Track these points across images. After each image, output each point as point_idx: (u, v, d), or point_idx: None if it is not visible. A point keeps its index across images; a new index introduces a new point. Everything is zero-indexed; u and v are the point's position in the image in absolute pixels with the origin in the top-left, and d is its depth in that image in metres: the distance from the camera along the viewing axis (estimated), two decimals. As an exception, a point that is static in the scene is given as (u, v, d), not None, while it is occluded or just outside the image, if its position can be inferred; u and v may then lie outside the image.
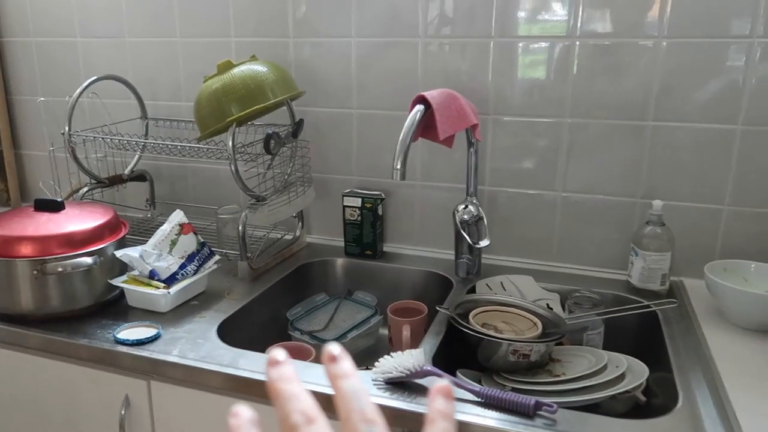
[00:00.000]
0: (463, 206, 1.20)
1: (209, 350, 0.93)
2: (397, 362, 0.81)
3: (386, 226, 1.40)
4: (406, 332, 1.12)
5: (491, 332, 0.98)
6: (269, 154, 1.19)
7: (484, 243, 1.17)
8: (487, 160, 1.28)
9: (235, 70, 1.17)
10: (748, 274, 1.07)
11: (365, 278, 1.33)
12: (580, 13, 1.16)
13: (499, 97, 1.25)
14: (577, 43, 1.17)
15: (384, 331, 1.22)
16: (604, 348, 1.09)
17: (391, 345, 1.15)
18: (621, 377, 0.91)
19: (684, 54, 1.12)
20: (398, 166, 1.01)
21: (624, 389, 0.87)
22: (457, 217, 1.19)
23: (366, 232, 1.33)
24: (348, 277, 1.35)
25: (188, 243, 1.14)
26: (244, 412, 0.28)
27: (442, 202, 1.32)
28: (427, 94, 1.05)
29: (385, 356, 0.84)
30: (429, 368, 0.81)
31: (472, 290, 1.18)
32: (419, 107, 1.04)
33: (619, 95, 1.17)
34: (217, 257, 1.18)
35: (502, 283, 1.21)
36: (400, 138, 1.01)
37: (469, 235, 1.18)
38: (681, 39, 1.11)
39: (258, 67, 1.20)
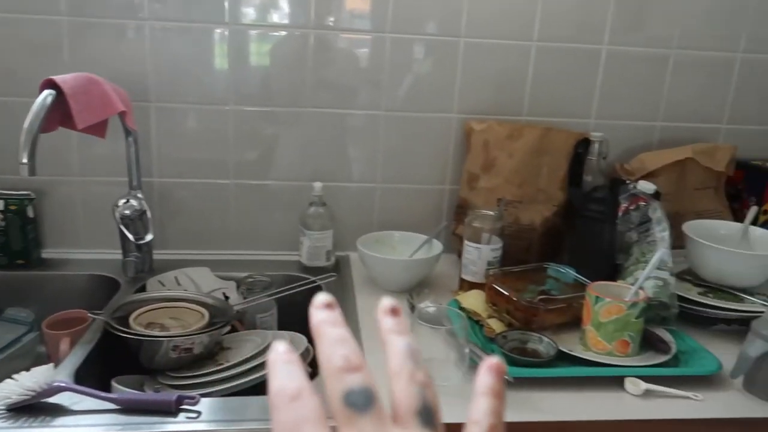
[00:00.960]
0: (124, 201, 1.12)
1: None
2: (20, 384, 0.71)
3: (44, 229, 1.23)
4: (64, 346, 1.01)
5: (155, 331, 0.93)
6: None
7: (148, 238, 1.11)
8: (153, 150, 1.22)
9: None
10: (395, 242, 1.21)
11: (19, 292, 1.15)
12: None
13: (161, 83, 1.19)
14: (227, 31, 1.17)
15: (43, 349, 1.08)
16: (281, 328, 1.13)
17: (50, 362, 1.01)
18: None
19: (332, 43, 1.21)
20: (24, 160, 0.89)
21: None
22: (116, 213, 1.10)
23: (14, 239, 1.15)
24: (-5, 293, 1.15)
25: None
26: (281, 347, 0.26)
27: (107, 198, 1.20)
28: (58, 78, 0.94)
29: (7, 379, 0.73)
30: (60, 384, 0.73)
31: (143, 289, 1.11)
32: (48, 92, 0.92)
33: (271, 84, 1.21)
34: None
35: (176, 278, 1.16)
36: (25, 128, 0.89)
37: (133, 231, 1.11)
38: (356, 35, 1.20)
39: None
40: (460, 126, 1.26)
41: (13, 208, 1.14)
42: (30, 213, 1.16)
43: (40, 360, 1.07)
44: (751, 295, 1.04)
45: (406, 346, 0.27)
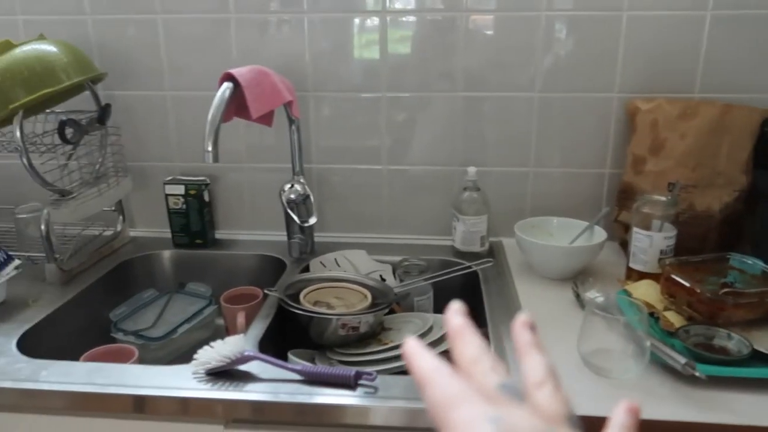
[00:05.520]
0: (289, 186, 1.18)
1: (4, 366, 0.83)
2: (217, 351, 0.78)
3: (216, 212, 1.34)
4: (240, 319, 1.09)
5: (322, 309, 0.98)
6: (67, 143, 1.08)
7: (312, 221, 1.17)
8: (312, 138, 1.27)
9: (17, 51, 1.04)
10: (552, 228, 1.17)
11: (197, 269, 1.27)
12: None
13: (318, 73, 1.23)
14: (388, 18, 1.19)
15: (221, 321, 1.18)
16: (435, 311, 1.14)
17: (228, 334, 1.11)
18: (445, 336, 0.96)
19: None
20: (209, 148, 0.96)
21: (444, 348, 0.91)
22: (283, 197, 1.17)
23: (193, 221, 1.27)
24: (178, 269, 1.27)
25: (-23, 250, 1.00)
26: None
27: (272, 184, 1.28)
28: (235, 71, 1.01)
29: (205, 347, 0.80)
30: (250, 353, 0.79)
31: (306, 269, 1.17)
32: (227, 85, 0.99)
33: (432, 69, 1.21)
34: (17, 262, 1.05)
35: (335, 259, 1.21)
36: (209, 118, 0.96)
37: (297, 215, 1.17)
38: (506, 12, 1.17)
39: (46, 47, 1.08)
40: (621, 105, 1.19)
41: (192, 193, 1.25)
42: (206, 197, 1.27)
43: (218, 331, 1.17)
44: None
45: (548, 363, 0.29)
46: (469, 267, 1.12)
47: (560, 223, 1.16)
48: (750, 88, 1.15)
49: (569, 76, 1.19)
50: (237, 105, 1.05)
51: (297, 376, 0.78)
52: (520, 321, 0.31)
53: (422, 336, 0.95)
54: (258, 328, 0.94)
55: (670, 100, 1.12)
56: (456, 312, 0.31)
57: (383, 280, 1.15)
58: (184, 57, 1.25)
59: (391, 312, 1.10)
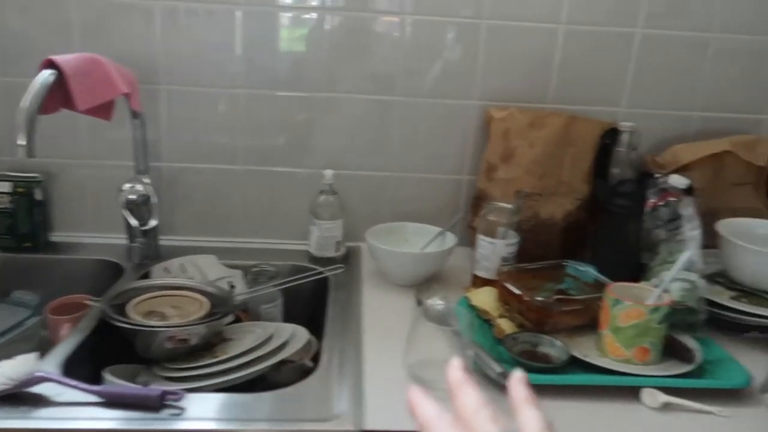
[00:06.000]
0: (129, 185, 1.09)
1: None
2: (1, 373, 0.69)
3: (53, 212, 1.22)
4: (64, 331, 0.99)
5: (153, 320, 0.90)
6: None
7: (152, 223, 1.08)
8: (163, 134, 1.19)
9: None
10: (408, 234, 1.15)
11: (25, 275, 1.14)
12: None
13: (171, 65, 1.15)
14: (242, 12, 1.13)
15: (46, 333, 1.06)
16: (287, 319, 1.09)
17: (53, 346, 1.00)
18: (283, 346, 0.91)
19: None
20: (22, 142, 0.86)
21: (280, 359, 0.87)
22: (121, 198, 1.08)
23: (22, 221, 1.14)
24: (2, 275, 1.14)
25: None
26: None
27: (117, 182, 1.17)
28: (58, 58, 0.91)
29: (-8, 366, 0.71)
30: (41, 374, 0.70)
31: (147, 275, 1.09)
32: (47, 72, 0.90)
33: (283, 68, 1.16)
34: None
35: (182, 265, 1.13)
36: (23, 107, 0.86)
37: (138, 217, 1.08)
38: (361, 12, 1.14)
39: None
40: (481, 113, 1.20)
41: (20, 190, 1.13)
42: (38, 195, 1.15)
43: (43, 344, 1.06)
44: (791, 301, 0.96)
45: (544, 418, 0.30)
46: (320, 273, 1.08)
47: (415, 228, 1.15)
48: (596, 100, 1.20)
49: (432, 82, 1.18)
50: (64, 95, 0.95)
51: (91, 398, 0.70)
52: (516, 377, 0.33)
53: (258, 347, 0.90)
54: (69, 344, 0.85)
55: (522, 109, 1.14)
56: (456, 367, 0.34)
57: (233, 287, 1.09)
58: (18, 38, 1.13)
59: (238, 321, 1.04)
